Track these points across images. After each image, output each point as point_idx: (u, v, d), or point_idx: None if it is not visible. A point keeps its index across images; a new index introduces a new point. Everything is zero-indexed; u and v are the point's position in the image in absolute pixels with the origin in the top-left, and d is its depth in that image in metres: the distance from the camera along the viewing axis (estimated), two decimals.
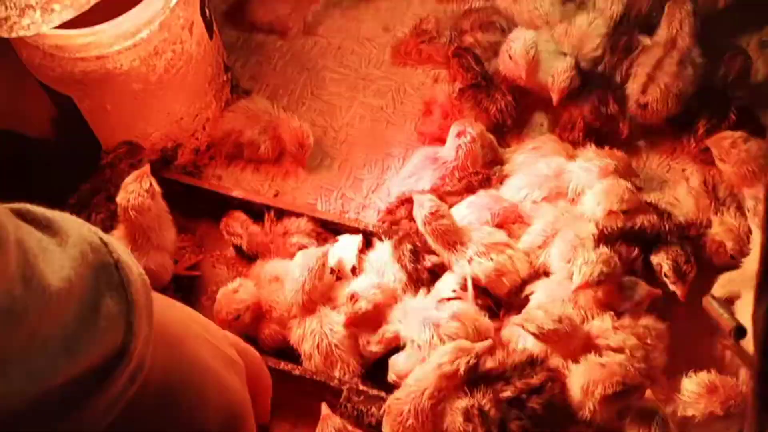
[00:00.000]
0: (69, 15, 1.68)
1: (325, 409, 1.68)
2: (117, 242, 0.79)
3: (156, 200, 1.90)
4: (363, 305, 1.79)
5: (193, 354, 0.90)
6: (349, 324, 1.80)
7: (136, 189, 1.86)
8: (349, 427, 1.65)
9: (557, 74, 2.16)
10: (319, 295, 1.84)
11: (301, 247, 1.98)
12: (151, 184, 1.88)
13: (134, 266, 0.78)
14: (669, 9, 2.18)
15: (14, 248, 0.63)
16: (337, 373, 1.78)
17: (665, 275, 1.79)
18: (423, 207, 1.86)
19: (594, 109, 2.16)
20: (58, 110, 2.19)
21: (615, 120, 2.17)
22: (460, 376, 1.57)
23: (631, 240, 1.83)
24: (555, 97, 2.17)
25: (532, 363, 1.61)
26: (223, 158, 2.29)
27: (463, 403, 1.54)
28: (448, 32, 2.39)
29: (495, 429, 1.50)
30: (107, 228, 1.99)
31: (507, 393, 1.55)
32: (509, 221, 2.00)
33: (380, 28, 2.54)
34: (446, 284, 1.86)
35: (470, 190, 2.05)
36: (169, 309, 0.91)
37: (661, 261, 1.79)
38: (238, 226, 2.06)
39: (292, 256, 1.96)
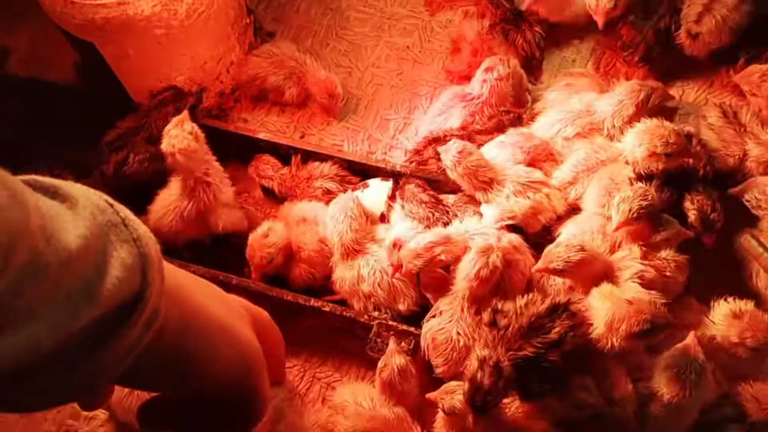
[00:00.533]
0: None
1: (392, 343, 1.69)
2: (120, 205, 0.82)
3: (200, 143, 1.89)
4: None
5: (204, 309, 0.93)
6: (396, 271, 1.78)
7: (179, 133, 1.85)
8: (410, 367, 1.67)
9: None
10: (362, 236, 1.84)
11: (326, 191, 1.98)
12: (193, 127, 1.87)
13: (141, 224, 0.82)
14: None
15: (34, 210, 0.68)
16: (401, 307, 1.79)
17: (691, 225, 1.75)
18: (449, 150, 1.83)
19: (656, 33, 2.08)
20: (81, 57, 2.19)
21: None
22: (488, 278, 1.60)
23: (667, 183, 1.78)
24: (600, 20, 2.09)
25: (553, 312, 1.58)
26: (248, 101, 2.28)
27: (484, 352, 1.53)
28: None
29: (505, 384, 1.49)
30: (144, 170, 2.01)
31: (525, 353, 1.53)
32: (541, 159, 1.96)
33: None
34: (486, 218, 1.84)
35: (500, 128, 2.01)
36: (178, 270, 0.95)
37: (689, 209, 1.76)
38: (269, 169, 2.06)
39: (317, 199, 1.98)
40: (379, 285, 1.80)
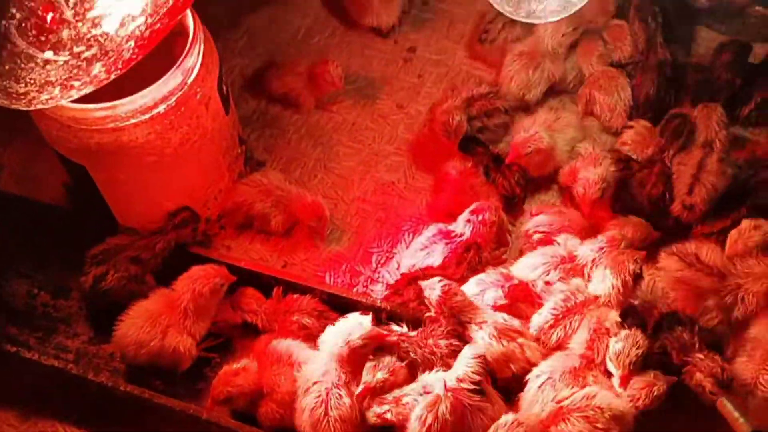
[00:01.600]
0: (88, 90, 1.71)
1: None
2: None
3: (213, 296, 1.98)
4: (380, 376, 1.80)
5: None
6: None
7: (205, 278, 1.96)
8: None
9: (587, 185, 2.15)
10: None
11: (303, 327, 1.98)
12: (223, 285, 1.99)
13: None
14: (702, 112, 2.23)
15: None
16: None
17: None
18: (434, 289, 1.85)
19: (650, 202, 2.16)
20: (71, 178, 2.22)
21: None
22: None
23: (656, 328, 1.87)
24: (585, 210, 2.15)
25: None
26: (233, 228, 2.31)
27: None
28: (458, 118, 2.34)
29: None
30: (120, 288, 2.03)
31: None
32: (518, 299, 1.99)
33: (394, 105, 2.57)
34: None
35: (475, 268, 2.06)
36: None
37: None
38: (253, 303, 2.06)
39: (292, 334, 1.97)
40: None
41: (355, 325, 1.83)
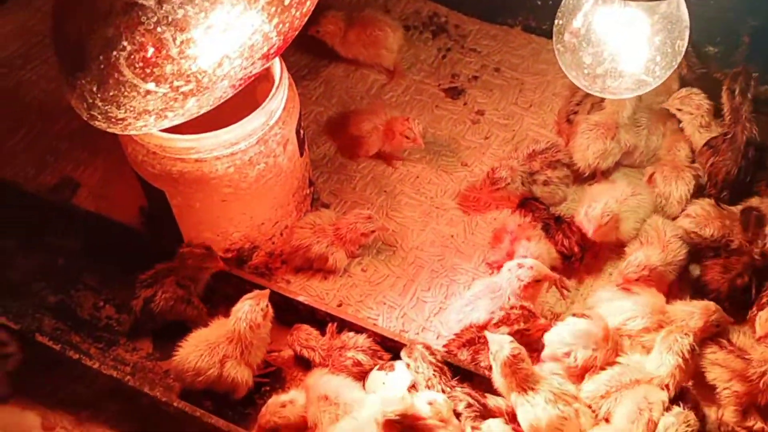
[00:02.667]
0: (179, 121, 1.84)
1: None
2: None
3: (266, 321, 2.04)
4: None
5: None
6: None
7: (253, 307, 2.02)
8: None
9: (630, 263, 2.19)
10: None
11: (356, 363, 2.04)
12: (267, 306, 2.04)
13: None
14: None
15: None
16: None
17: None
18: (503, 348, 1.89)
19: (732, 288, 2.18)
20: (147, 202, 2.34)
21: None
22: None
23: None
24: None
25: None
26: (292, 270, 2.39)
27: None
28: (519, 176, 2.45)
29: None
30: (168, 309, 2.15)
31: None
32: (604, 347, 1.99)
33: (459, 163, 2.65)
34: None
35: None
36: None
37: None
38: (311, 339, 2.12)
39: (346, 370, 2.04)
40: None
41: (393, 399, 1.86)
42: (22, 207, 2.46)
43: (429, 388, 1.92)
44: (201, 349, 2.02)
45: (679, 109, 2.48)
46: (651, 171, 2.45)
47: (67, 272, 2.39)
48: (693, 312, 2.04)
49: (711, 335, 2.03)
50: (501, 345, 1.89)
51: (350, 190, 2.59)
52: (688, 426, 1.79)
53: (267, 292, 2.07)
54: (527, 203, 2.39)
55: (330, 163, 2.66)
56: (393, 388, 1.99)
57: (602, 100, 2.44)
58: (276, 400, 1.98)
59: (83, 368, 2.08)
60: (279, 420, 1.94)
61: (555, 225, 2.31)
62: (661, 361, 1.91)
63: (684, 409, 1.82)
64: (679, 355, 1.89)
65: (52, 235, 2.44)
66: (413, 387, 1.99)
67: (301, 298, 2.21)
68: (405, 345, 2.07)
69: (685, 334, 1.92)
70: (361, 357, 2.05)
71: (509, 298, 2.11)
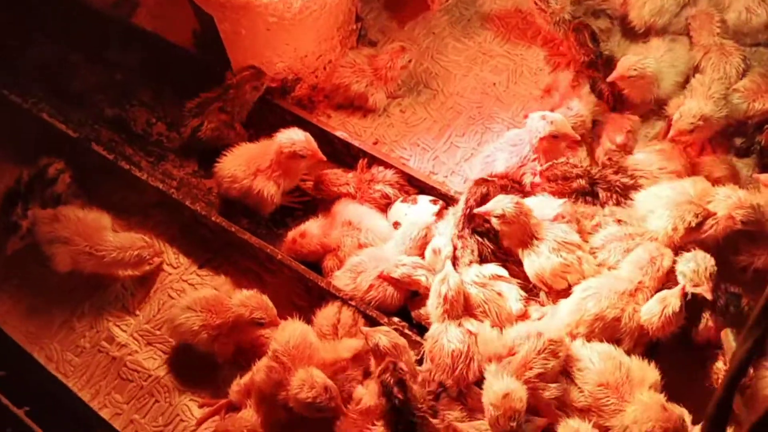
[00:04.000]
0: None
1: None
2: None
3: (294, 160, 2.14)
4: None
5: None
6: None
7: (293, 139, 2.12)
8: None
9: (684, 113, 2.16)
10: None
11: (384, 195, 2.15)
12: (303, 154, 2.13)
13: None
14: None
15: None
16: None
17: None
18: (502, 202, 1.93)
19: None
20: (200, 26, 2.41)
21: None
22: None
23: None
24: (672, 132, 2.17)
25: None
26: (333, 106, 2.46)
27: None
28: (561, 16, 2.42)
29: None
30: (214, 137, 2.28)
31: None
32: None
33: (513, 8, 2.60)
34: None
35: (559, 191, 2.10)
36: None
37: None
38: (341, 177, 2.22)
39: (375, 201, 2.15)
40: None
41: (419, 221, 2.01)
42: (86, 22, 2.56)
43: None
44: (240, 160, 2.17)
45: None
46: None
47: (123, 87, 2.52)
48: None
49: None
50: (503, 202, 1.93)
51: (398, 29, 2.59)
52: (708, 261, 1.85)
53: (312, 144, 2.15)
54: (579, 30, 2.35)
55: (382, 0, 2.65)
56: (415, 218, 2.09)
57: None
58: (291, 236, 2.12)
59: (134, 178, 2.25)
60: (298, 251, 2.10)
61: (600, 69, 2.31)
62: (662, 218, 1.95)
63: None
64: (682, 223, 1.92)
65: (111, 50, 2.55)
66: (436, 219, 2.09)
67: (338, 133, 2.29)
68: (432, 187, 2.17)
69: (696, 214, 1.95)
70: (388, 190, 2.15)
71: (536, 154, 2.13)
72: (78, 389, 2.00)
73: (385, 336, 1.78)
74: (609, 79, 2.26)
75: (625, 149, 2.23)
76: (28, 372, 1.99)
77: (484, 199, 1.99)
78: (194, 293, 2.05)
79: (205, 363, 2.01)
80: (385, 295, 1.97)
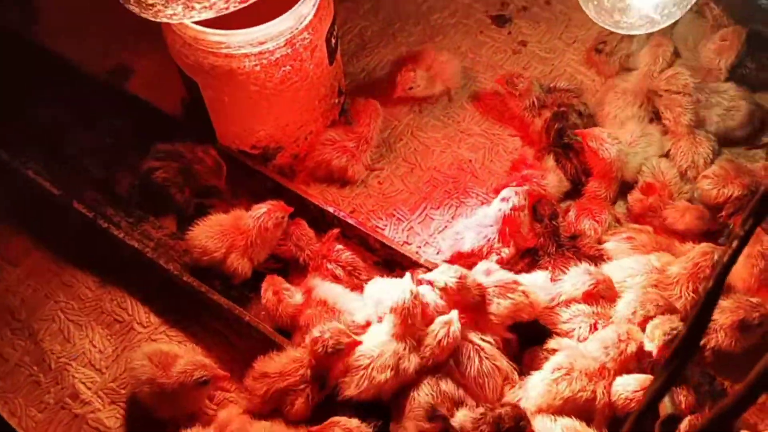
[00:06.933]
0: (207, 15, 1.96)
1: None
2: None
3: (275, 229, 2.20)
4: None
5: None
6: None
7: (270, 214, 2.18)
8: None
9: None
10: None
11: (334, 276, 2.18)
12: (284, 218, 2.21)
13: None
14: None
15: None
16: None
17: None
18: (447, 279, 1.99)
19: None
20: (187, 93, 2.50)
21: None
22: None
23: None
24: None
25: None
26: (315, 180, 2.53)
27: None
28: (530, 100, 2.52)
29: None
30: (161, 188, 2.35)
31: None
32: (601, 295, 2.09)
33: (492, 90, 2.69)
34: None
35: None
36: None
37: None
38: (304, 239, 2.26)
39: (331, 276, 2.19)
40: None
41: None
42: (81, 88, 2.66)
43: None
44: (213, 232, 2.20)
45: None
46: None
47: (113, 152, 2.59)
48: None
49: None
50: (444, 274, 2.00)
51: (381, 106, 2.67)
52: (673, 327, 1.91)
53: (289, 209, 2.22)
54: (558, 118, 2.45)
55: (366, 78, 2.75)
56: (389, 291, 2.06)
57: (630, 36, 2.46)
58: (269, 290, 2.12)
59: (111, 237, 2.29)
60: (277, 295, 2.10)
61: (563, 155, 2.39)
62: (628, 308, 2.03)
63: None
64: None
65: (104, 116, 2.64)
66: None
67: (315, 200, 2.34)
68: (404, 255, 2.21)
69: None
70: (339, 272, 2.19)
71: (501, 232, 2.20)
72: None
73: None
74: (575, 132, 2.36)
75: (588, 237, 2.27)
76: None
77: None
78: (159, 346, 2.06)
79: (164, 421, 2.00)
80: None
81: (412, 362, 1.88)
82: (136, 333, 2.21)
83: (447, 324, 1.90)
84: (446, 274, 1.97)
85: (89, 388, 2.11)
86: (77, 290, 2.28)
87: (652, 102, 2.49)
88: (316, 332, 1.92)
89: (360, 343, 1.93)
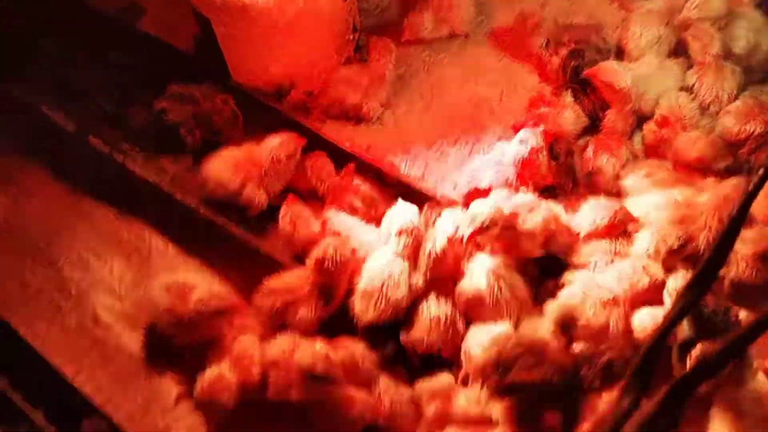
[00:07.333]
0: None
1: None
2: None
3: (289, 161, 2.21)
4: None
5: None
6: None
7: (283, 145, 2.20)
8: None
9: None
10: None
11: (352, 207, 2.18)
12: (296, 150, 2.22)
13: None
14: None
15: None
16: None
17: None
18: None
19: None
20: (200, 31, 2.48)
21: None
22: None
23: None
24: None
25: None
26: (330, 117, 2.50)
27: None
28: (545, 38, 2.51)
29: None
30: (172, 126, 2.35)
31: None
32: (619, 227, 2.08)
33: (509, 27, 2.66)
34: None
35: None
36: None
37: None
38: (323, 171, 2.27)
39: (343, 210, 2.19)
40: None
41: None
42: (93, 24, 2.65)
43: None
44: (227, 164, 2.21)
45: None
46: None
47: (125, 88, 2.58)
48: None
49: None
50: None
51: (396, 42, 2.63)
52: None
53: (302, 140, 2.22)
54: (574, 56, 2.42)
55: (382, 14, 2.71)
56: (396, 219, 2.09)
57: None
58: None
59: (128, 172, 2.31)
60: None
61: (582, 91, 2.35)
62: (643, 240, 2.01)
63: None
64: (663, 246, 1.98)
65: (115, 52, 2.63)
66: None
67: (329, 137, 2.34)
68: (419, 191, 2.21)
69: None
70: (357, 203, 2.19)
71: (517, 172, 2.18)
72: (61, 365, 2.03)
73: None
74: (585, 72, 2.31)
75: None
76: (11, 348, 2.02)
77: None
78: (176, 275, 2.08)
79: (182, 349, 2.03)
80: None
81: (419, 279, 1.93)
82: (154, 263, 2.23)
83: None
84: (483, 210, 1.98)
85: (110, 314, 2.14)
86: (95, 221, 2.31)
87: (676, 32, 2.43)
88: (320, 247, 1.95)
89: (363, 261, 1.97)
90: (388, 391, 1.88)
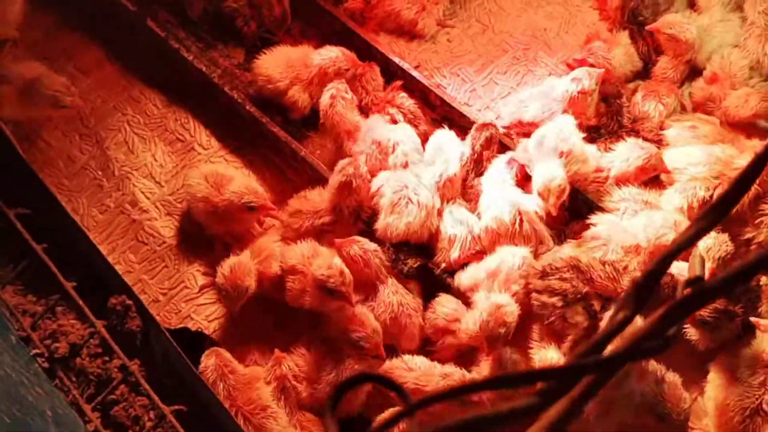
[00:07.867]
0: None
1: None
2: None
3: (337, 77, 2.22)
4: None
5: None
6: None
7: (336, 60, 2.23)
8: None
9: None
10: None
11: (393, 120, 2.20)
12: (347, 70, 2.24)
13: None
14: None
15: None
16: None
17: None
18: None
19: None
20: None
21: None
22: None
23: None
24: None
25: None
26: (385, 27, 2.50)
27: None
28: None
29: None
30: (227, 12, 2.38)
31: None
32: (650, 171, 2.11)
33: None
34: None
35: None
36: None
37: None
38: (372, 84, 2.26)
39: (390, 119, 2.21)
40: None
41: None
42: None
43: None
44: (279, 62, 2.25)
45: None
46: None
47: None
48: None
49: None
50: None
51: None
52: (727, 247, 1.90)
53: (357, 64, 2.25)
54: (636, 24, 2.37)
55: None
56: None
57: None
58: None
59: (181, 59, 2.34)
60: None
61: (639, 33, 2.32)
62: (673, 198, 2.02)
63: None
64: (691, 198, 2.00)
65: None
66: None
67: (382, 49, 2.34)
68: (463, 114, 2.22)
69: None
70: (399, 117, 2.21)
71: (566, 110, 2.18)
72: (97, 243, 2.13)
73: None
74: (648, 27, 2.27)
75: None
76: (52, 217, 2.11)
77: (488, 143, 2.09)
78: (216, 167, 2.15)
79: (213, 239, 2.12)
80: None
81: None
82: (197, 153, 2.29)
83: None
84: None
85: (148, 198, 2.23)
86: (144, 106, 2.36)
87: None
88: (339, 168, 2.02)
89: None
90: (397, 292, 1.95)
